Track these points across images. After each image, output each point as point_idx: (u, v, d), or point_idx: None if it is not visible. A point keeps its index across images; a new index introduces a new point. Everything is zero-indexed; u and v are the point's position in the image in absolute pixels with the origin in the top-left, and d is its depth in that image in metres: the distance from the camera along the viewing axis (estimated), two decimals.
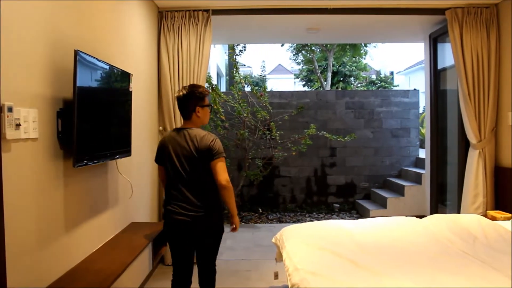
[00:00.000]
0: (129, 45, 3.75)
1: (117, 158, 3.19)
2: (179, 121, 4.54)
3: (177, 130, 3.00)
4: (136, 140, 3.72)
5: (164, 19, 4.56)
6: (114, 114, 3.15)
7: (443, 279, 2.34)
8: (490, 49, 4.57)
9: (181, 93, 2.97)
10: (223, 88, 14.27)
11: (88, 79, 2.63)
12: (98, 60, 2.73)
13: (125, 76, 3.27)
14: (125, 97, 3.33)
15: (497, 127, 4.65)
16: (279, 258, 3.52)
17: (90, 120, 2.65)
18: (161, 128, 4.64)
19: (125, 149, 3.30)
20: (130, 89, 3.36)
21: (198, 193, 2.89)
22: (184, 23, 4.56)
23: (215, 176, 2.85)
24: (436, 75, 5.56)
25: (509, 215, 4.02)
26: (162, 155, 3.01)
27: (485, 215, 4.22)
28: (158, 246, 3.71)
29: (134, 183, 3.81)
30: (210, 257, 3.06)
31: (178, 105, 3.01)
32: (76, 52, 2.38)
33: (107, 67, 2.90)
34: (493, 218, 4.04)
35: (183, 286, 3.05)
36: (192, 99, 2.97)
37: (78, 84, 2.40)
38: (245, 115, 6.63)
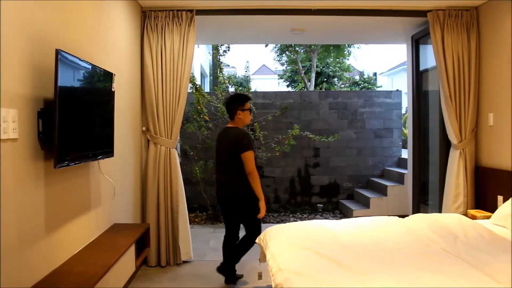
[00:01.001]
0: (111, 44, 3.72)
1: (100, 158, 3.15)
2: (162, 121, 4.52)
3: (225, 128, 3.99)
4: (118, 140, 3.69)
5: (147, 19, 4.53)
6: (97, 114, 3.12)
7: (424, 277, 2.36)
8: (471, 51, 4.65)
9: (226, 100, 3.99)
10: (207, 89, 14.23)
11: (69, 79, 2.59)
12: (80, 59, 2.70)
13: (108, 76, 3.24)
14: (108, 97, 3.29)
15: (477, 127, 4.73)
16: (262, 258, 3.52)
17: (72, 120, 2.62)
18: (144, 128, 4.61)
19: (107, 150, 3.27)
20: (112, 89, 3.33)
21: (229, 177, 3.84)
22: (168, 23, 4.53)
23: (245, 165, 3.71)
24: (418, 76, 5.63)
25: (489, 214, 4.09)
26: (216, 147, 4.01)
27: (466, 214, 4.29)
28: (141, 247, 3.68)
29: (117, 184, 3.77)
30: (244, 220, 3.97)
31: (227, 108, 3.97)
32: (57, 51, 2.35)
33: (89, 66, 2.87)
34: (474, 217, 4.10)
35: (231, 240, 4.04)
36: (233, 104, 3.91)
37: (60, 83, 2.36)
38: None
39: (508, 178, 4.14)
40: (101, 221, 3.47)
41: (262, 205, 3.83)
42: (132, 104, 4.35)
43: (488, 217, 3.96)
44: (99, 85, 3.12)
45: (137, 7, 4.49)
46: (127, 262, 3.18)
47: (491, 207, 4.31)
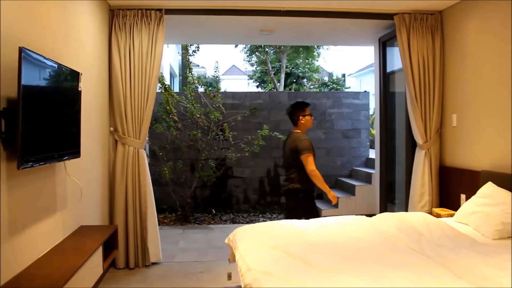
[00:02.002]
0: (78, 43, 3.65)
1: (66, 159, 3.09)
2: (130, 122, 4.46)
3: (290, 132, 4.45)
4: (85, 141, 3.62)
5: (115, 18, 4.47)
6: (63, 114, 3.06)
7: (390, 274, 2.41)
8: (435, 54, 4.77)
9: (288, 109, 4.43)
10: (176, 89, 14.11)
11: (34, 78, 2.54)
12: (45, 58, 2.64)
13: (74, 75, 3.18)
14: (74, 96, 3.23)
15: (442, 128, 4.86)
16: (232, 258, 3.52)
17: (37, 120, 2.56)
18: (112, 128, 4.54)
19: (74, 150, 3.21)
20: (79, 89, 3.27)
21: (289, 175, 4.30)
22: (136, 22, 4.48)
23: (305, 166, 4.14)
24: (385, 78, 5.74)
25: (452, 212, 4.20)
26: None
27: (431, 213, 4.39)
28: (109, 249, 3.63)
29: (84, 185, 3.70)
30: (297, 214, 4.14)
31: (289, 116, 4.42)
32: (21, 49, 2.29)
33: (55, 65, 2.81)
34: (438, 216, 4.21)
35: None
36: (295, 111, 4.36)
37: (23, 82, 2.31)
38: (198, 115, 6.59)
39: (471, 177, 4.27)
40: (67, 224, 3.40)
41: (332, 195, 4.33)
42: (100, 104, 4.28)
43: (452, 215, 4.07)
44: (65, 84, 3.06)
45: (105, 6, 4.43)
46: (94, 264, 3.12)
47: (455, 206, 4.43)
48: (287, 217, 4.22)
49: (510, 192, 3.51)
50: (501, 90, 3.92)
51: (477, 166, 4.24)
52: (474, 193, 3.86)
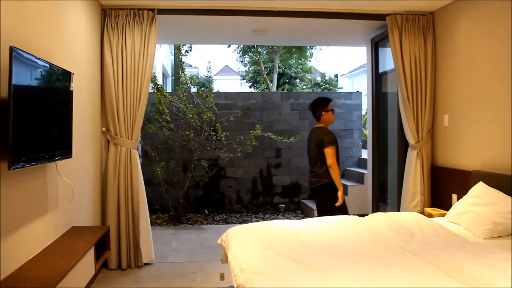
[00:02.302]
0: (70, 43, 3.63)
1: (57, 159, 3.08)
2: (123, 122, 4.44)
3: (313, 128, 4.57)
4: (77, 141, 3.60)
5: (108, 17, 4.45)
6: (54, 114, 3.04)
7: (382, 274, 2.43)
8: (427, 54, 4.80)
9: (311, 105, 4.53)
10: (168, 89, 14.07)
11: (25, 78, 2.52)
12: (36, 57, 2.63)
13: (66, 75, 3.17)
14: (66, 96, 3.22)
15: (433, 128, 4.89)
16: (224, 259, 3.52)
17: (28, 120, 2.55)
18: (104, 129, 4.52)
19: (65, 151, 3.19)
20: (71, 89, 3.25)
21: (315, 170, 4.43)
22: (129, 22, 4.47)
23: (326, 158, 4.29)
24: (378, 78, 5.76)
25: (444, 212, 4.23)
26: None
27: (423, 212, 4.42)
28: (101, 249, 3.61)
29: (76, 185, 3.69)
30: (325, 208, 4.44)
31: (311, 111, 4.55)
32: (12, 49, 2.27)
33: (47, 65, 2.80)
34: (430, 215, 4.23)
35: None
36: (318, 106, 4.49)
37: (14, 82, 2.29)
38: (190, 116, 6.58)
39: (462, 177, 4.30)
40: (58, 224, 3.38)
41: (340, 194, 4.32)
42: (92, 104, 4.26)
43: (444, 215, 4.10)
44: (57, 84, 3.04)
45: (97, 5, 4.41)
46: (86, 265, 3.11)
47: (446, 205, 4.46)
48: (320, 214, 4.42)
49: (500, 192, 3.53)
50: (492, 91, 3.96)
51: (468, 166, 4.27)
52: (465, 193, 3.89)
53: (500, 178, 3.67)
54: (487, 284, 2.24)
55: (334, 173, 4.30)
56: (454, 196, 4.41)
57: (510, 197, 3.43)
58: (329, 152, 4.29)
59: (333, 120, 4.56)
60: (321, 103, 4.51)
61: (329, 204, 4.37)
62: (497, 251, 2.79)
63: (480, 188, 3.75)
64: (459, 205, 3.81)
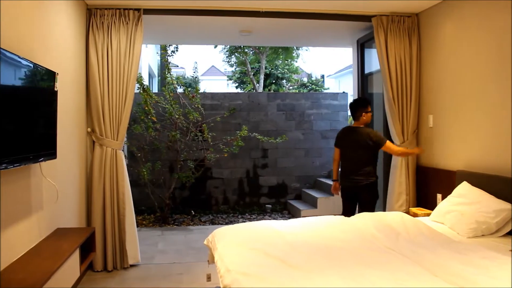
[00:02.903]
0: (55, 43, 3.60)
1: (41, 160, 3.04)
2: (108, 122, 4.41)
3: (350, 127, 4.66)
4: (62, 141, 3.57)
5: (93, 17, 4.41)
6: (38, 115, 3.00)
7: (368, 273, 2.44)
8: (412, 56, 4.85)
9: (352, 104, 4.63)
10: (155, 89, 13.99)
11: (8, 77, 2.49)
12: (19, 57, 2.60)
13: (50, 75, 3.13)
14: (50, 97, 3.18)
15: (418, 129, 4.94)
16: (211, 260, 3.51)
17: (11, 121, 2.51)
18: (89, 129, 4.48)
19: (50, 152, 3.15)
20: (55, 89, 3.22)
21: (362, 168, 4.43)
22: (114, 22, 4.44)
23: (392, 152, 4.52)
24: (363, 79, 5.80)
25: (429, 211, 4.27)
26: (340, 142, 4.66)
27: (408, 212, 4.46)
28: (86, 251, 3.58)
29: (60, 186, 3.65)
30: (369, 205, 4.51)
31: (353, 111, 4.58)
32: None
33: (30, 65, 2.77)
34: (415, 215, 4.27)
35: None
36: (360, 106, 4.55)
37: None
38: (177, 116, 6.56)
39: (447, 177, 4.35)
40: (43, 226, 3.34)
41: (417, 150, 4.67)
42: (77, 104, 4.22)
43: (428, 215, 4.14)
44: (41, 84, 3.01)
45: (82, 5, 4.37)
46: (71, 267, 3.08)
47: (431, 205, 4.51)
48: (363, 211, 4.33)
49: (484, 192, 3.58)
50: (476, 92, 4.01)
51: (452, 166, 4.32)
52: (450, 192, 3.94)
53: (484, 178, 3.72)
54: (471, 282, 2.27)
55: (408, 153, 4.61)
56: (439, 196, 4.46)
57: (493, 197, 3.48)
58: (389, 145, 4.44)
59: (369, 120, 4.63)
60: (362, 104, 4.58)
61: (372, 200, 4.52)
62: (480, 250, 2.83)
63: (464, 188, 3.80)
64: (443, 205, 3.86)
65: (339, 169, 4.72)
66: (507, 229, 3.31)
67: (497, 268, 2.45)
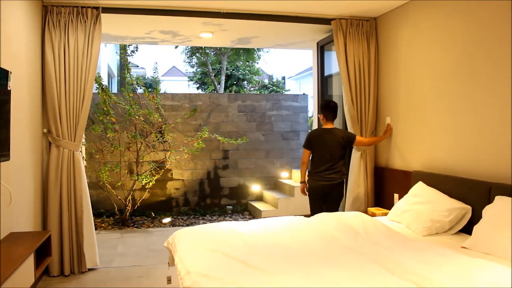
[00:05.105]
0: (7, 40, 3.47)
1: None
2: (65, 123, 4.30)
3: (326, 128, 4.63)
4: (16, 143, 3.45)
5: (49, 14, 4.28)
6: None
7: (328, 273, 2.48)
8: (370, 59, 4.96)
9: (333, 105, 4.68)
10: (114, 89, 13.76)
11: None
12: None
13: (3, 74, 3.03)
14: (3, 96, 3.07)
15: (376, 130, 5.05)
16: (171, 262, 3.48)
17: None
18: (45, 130, 4.35)
19: (3, 153, 3.04)
20: (9, 88, 3.11)
21: (339, 168, 4.57)
22: (72, 20, 4.33)
23: (364, 143, 4.81)
24: (323, 81, 5.89)
25: (386, 211, 4.38)
26: (313, 144, 4.62)
27: (366, 212, 4.56)
28: (42, 256, 3.48)
29: (14, 189, 3.52)
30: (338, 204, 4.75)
31: (332, 113, 4.63)
32: None
33: None
34: (373, 214, 4.37)
35: None
36: (337, 109, 4.70)
37: None
38: (136, 117, 6.46)
39: (403, 177, 4.47)
40: None
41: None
42: (32, 104, 4.09)
43: (386, 214, 4.25)
44: None
45: (37, 2, 4.24)
46: (25, 273, 2.98)
47: (388, 205, 4.63)
48: (332, 209, 4.55)
49: (438, 191, 3.71)
50: (430, 95, 4.14)
51: (409, 167, 4.45)
52: (406, 192, 4.05)
53: (438, 178, 3.86)
54: (425, 279, 2.34)
55: (377, 140, 4.88)
56: (396, 196, 4.58)
57: (446, 196, 3.61)
58: (360, 137, 4.71)
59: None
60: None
61: (341, 198, 4.72)
62: (434, 248, 2.93)
63: (419, 188, 3.92)
64: (400, 204, 3.97)
65: (310, 170, 4.73)
66: (459, 227, 3.44)
67: (450, 265, 2.54)
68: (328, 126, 4.64)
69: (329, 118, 4.65)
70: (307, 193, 4.74)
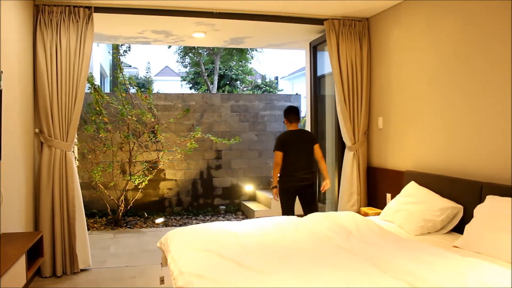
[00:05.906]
0: None
1: None
2: (57, 123, 4.27)
3: (297, 130, 4.81)
4: (7, 143, 3.43)
5: (41, 14, 4.26)
6: None
7: (321, 272, 2.49)
8: (363, 59, 4.98)
9: (296, 110, 4.90)
10: (107, 89, 13.69)
11: None
12: None
13: None
14: None
15: (369, 130, 5.07)
16: (164, 262, 3.47)
17: None
18: (37, 130, 4.33)
19: None
20: (0, 88, 3.09)
21: (310, 166, 4.71)
22: (64, 19, 4.30)
23: (316, 152, 4.77)
24: (316, 81, 5.90)
25: (379, 210, 4.40)
26: (287, 146, 4.66)
27: (359, 212, 4.58)
28: (34, 257, 3.46)
29: (5, 190, 3.50)
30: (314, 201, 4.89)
31: (295, 114, 4.84)
32: None
33: None
34: (366, 214, 4.39)
35: None
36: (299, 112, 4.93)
37: None
38: (129, 117, 6.44)
39: (396, 177, 4.50)
40: None
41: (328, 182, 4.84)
42: (24, 104, 4.06)
43: (379, 214, 4.26)
44: None
45: (29, 1, 4.21)
46: (17, 274, 2.96)
47: (381, 204, 4.65)
48: (311, 207, 4.67)
49: (430, 191, 3.73)
50: (422, 95, 4.17)
51: (401, 166, 4.47)
52: (398, 192, 4.07)
53: (430, 178, 3.88)
54: (417, 278, 2.35)
55: (325, 164, 4.89)
56: (388, 195, 4.60)
57: (438, 195, 3.64)
58: (319, 148, 4.78)
59: None
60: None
61: (316, 197, 4.86)
62: (426, 247, 2.94)
63: (412, 187, 3.95)
64: (392, 204, 3.99)
65: (282, 172, 4.71)
66: (451, 226, 3.46)
67: (442, 264, 2.56)
68: (294, 128, 4.82)
69: (292, 120, 4.82)
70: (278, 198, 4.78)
